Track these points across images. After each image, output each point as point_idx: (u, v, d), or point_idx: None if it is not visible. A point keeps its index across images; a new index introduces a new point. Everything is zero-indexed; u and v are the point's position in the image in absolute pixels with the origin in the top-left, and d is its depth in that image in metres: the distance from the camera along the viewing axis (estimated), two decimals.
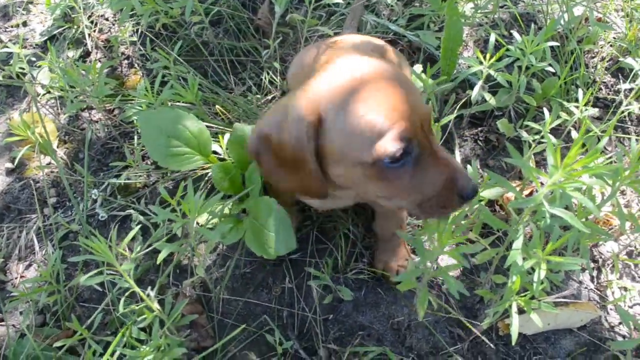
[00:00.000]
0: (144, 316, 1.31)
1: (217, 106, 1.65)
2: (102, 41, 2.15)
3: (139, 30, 2.16)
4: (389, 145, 0.96)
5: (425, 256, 1.06)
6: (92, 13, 2.24)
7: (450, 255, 1.07)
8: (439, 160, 1.03)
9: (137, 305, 1.30)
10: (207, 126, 1.55)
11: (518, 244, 1.14)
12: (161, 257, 1.25)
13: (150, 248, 1.38)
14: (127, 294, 1.32)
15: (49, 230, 1.72)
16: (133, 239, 1.64)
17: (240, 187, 1.52)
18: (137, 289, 1.25)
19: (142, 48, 2.10)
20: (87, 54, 2.15)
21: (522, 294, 1.23)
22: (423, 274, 1.15)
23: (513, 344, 1.19)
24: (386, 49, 1.57)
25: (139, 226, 1.43)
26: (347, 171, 1.04)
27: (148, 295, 1.30)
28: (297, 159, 1.02)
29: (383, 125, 0.96)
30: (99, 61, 2.11)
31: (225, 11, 2.11)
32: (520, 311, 1.24)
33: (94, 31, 2.18)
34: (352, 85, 0.98)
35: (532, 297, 1.23)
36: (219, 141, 1.61)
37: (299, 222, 1.67)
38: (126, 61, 2.11)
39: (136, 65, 2.09)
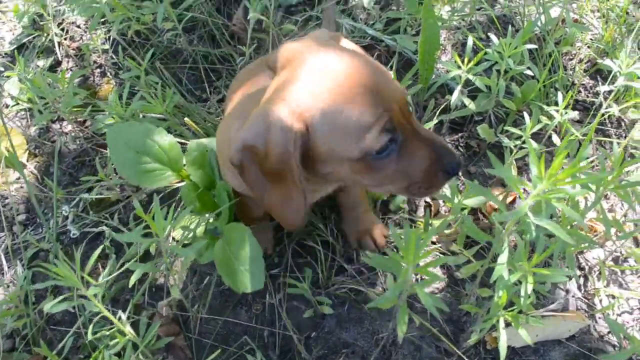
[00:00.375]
0: (116, 340, 1.26)
1: (186, 119, 1.59)
2: (73, 49, 2.09)
3: (112, 38, 2.10)
4: (375, 139, 0.99)
5: (401, 274, 1.01)
6: (63, 20, 2.17)
7: (420, 271, 1.02)
8: (422, 142, 1.05)
9: (109, 330, 1.24)
10: (178, 138, 1.50)
11: (503, 258, 1.10)
12: (134, 278, 1.20)
13: (124, 268, 1.31)
14: (98, 317, 1.25)
15: (18, 249, 1.65)
16: (106, 257, 1.58)
17: (212, 205, 1.47)
18: (107, 313, 1.19)
19: (114, 56, 2.04)
20: (58, 63, 2.08)
21: (510, 309, 1.20)
22: (402, 291, 1.10)
23: (502, 359, 1.15)
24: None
25: (103, 245, 1.33)
26: (335, 168, 1.06)
27: (119, 319, 1.24)
28: (283, 167, 1.01)
29: (367, 120, 0.98)
30: (70, 70, 2.04)
31: (200, 17, 2.06)
32: (507, 324, 1.20)
33: (65, 39, 2.11)
34: (332, 86, 0.99)
35: (520, 311, 1.19)
36: None
37: (274, 237, 1.62)
38: (98, 70, 2.05)
39: (109, 74, 2.02)
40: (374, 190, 1.13)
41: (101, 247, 1.22)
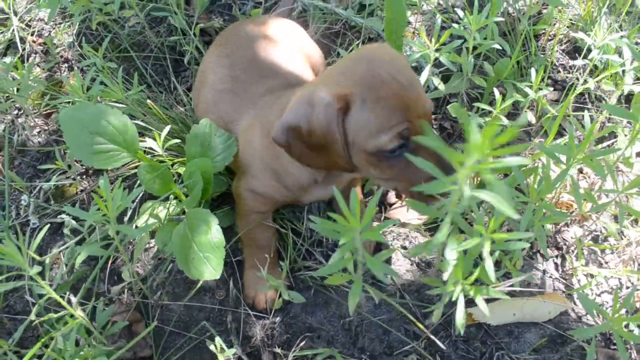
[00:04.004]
0: (68, 325, 1.21)
1: (148, 101, 1.54)
2: (39, 45, 2.06)
3: (81, 32, 2.07)
4: (388, 141, 1.11)
5: (345, 236, 0.95)
6: (31, 17, 2.15)
7: (367, 236, 0.96)
8: (430, 155, 1.08)
9: (58, 314, 1.20)
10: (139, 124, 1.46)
11: (443, 232, 1.02)
12: (78, 260, 1.16)
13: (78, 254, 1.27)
14: (45, 301, 1.20)
15: None
16: (64, 244, 1.54)
17: (174, 187, 1.43)
18: (54, 295, 1.14)
19: (80, 50, 2.00)
20: (26, 59, 2.05)
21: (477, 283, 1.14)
22: (357, 263, 1.04)
23: (461, 333, 1.09)
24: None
25: (47, 228, 1.26)
26: (353, 154, 1.17)
27: (69, 301, 1.19)
28: (326, 142, 1.14)
29: (388, 124, 1.10)
30: (38, 66, 2.01)
31: (166, 8, 2.02)
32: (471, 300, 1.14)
33: (30, 34, 2.08)
34: (374, 79, 1.11)
35: (481, 284, 1.13)
36: (154, 138, 1.51)
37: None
38: (65, 64, 2.02)
39: (76, 68, 1.99)
40: (381, 184, 1.26)
41: (45, 229, 1.17)
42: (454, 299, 1.10)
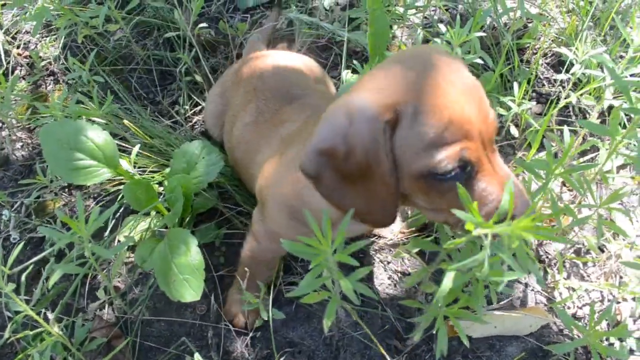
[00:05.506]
0: (44, 342, 1.21)
1: (125, 121, 1.54)
2: (24, 58, 2.06)
3: (67, 45, 2.07)
4: (443, 161, 0.88)
5: (316, 259, 0.94)
6: (17, 30, 2.15)
7: (338, 258, 0.95)
8: (496, 183, 0.93)
9: (34, 330, 1.19)
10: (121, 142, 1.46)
11: (447, 282, 0.99)
12: (53, 279, 1.15)
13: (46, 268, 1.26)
14: (19, 316, 1.20)
15: None
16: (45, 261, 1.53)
17: (156, 201, 1.43)
18: (30, 312, 1.14)
19: (66, 63, 2.00)
20: (11, 72, 2.05)
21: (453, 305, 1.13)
22: (333, 282, 1.04)
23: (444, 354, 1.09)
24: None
25: (23, 244, 1.25)
26: (400, 180, 0.94)
27: (45, 318, 1.19)
28: (368, 166, 0.90)
29: (446, 139, 0.87)
30: (23, 79, 2.01)
31: (153, 22, 2.02)
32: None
33: (16, 47, 2.08)
34: (427, 86, 0.88)
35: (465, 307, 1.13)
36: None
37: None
38: (51, 77, 2.02)
39: (61, 81, 1.99)
40: (429, 216, 1.04)
41: (21, 245, 1.17)
42: (435, 330, 1.10)
